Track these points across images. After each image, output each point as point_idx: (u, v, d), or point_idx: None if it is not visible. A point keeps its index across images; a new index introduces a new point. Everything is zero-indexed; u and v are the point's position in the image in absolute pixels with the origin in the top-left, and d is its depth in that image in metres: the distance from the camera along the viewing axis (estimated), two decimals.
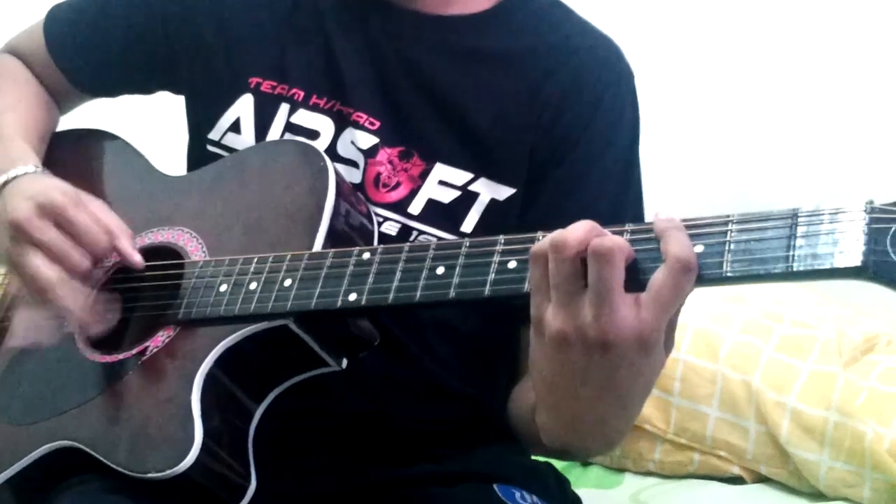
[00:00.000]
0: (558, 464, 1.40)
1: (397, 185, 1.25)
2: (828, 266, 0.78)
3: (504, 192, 1.24)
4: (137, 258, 1.19)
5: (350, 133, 1.27)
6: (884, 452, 1.74)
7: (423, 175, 1.25)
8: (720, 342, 1.93)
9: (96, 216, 1.18)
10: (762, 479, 1.90)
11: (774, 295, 2.03)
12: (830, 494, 1.81)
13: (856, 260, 0.77)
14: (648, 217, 1.10)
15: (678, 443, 1.92)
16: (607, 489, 1.90)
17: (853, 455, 1.78)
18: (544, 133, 1.24)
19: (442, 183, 1.24)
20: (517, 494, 1.26)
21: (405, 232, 1.24)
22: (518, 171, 1.24)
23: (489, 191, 1.24)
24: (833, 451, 1.80)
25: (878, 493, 1.76)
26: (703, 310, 1.96)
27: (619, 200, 1.26)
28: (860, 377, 1.84)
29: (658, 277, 0.88)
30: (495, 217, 1.23)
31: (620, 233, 0.90)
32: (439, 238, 1.23)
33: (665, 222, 0.89)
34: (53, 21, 1.45)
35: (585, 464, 1.98)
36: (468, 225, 1.24)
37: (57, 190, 1.18)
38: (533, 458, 1.39)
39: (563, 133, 1.25)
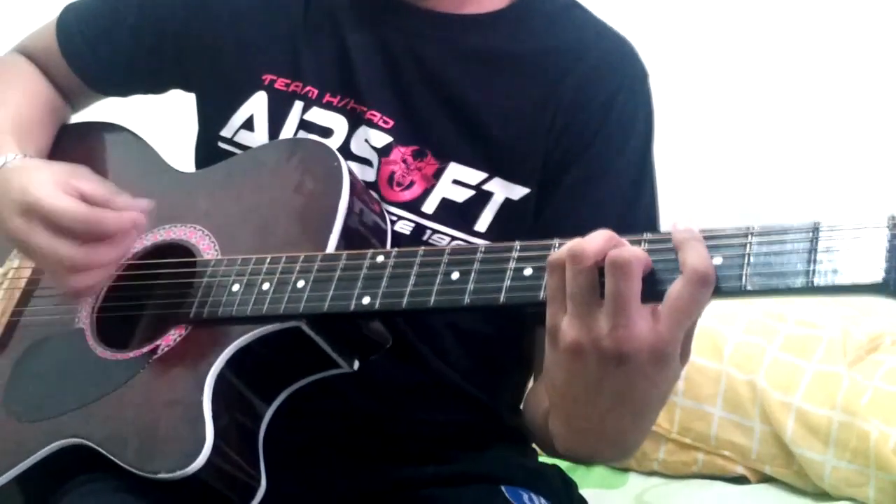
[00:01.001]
0: (563, 464, 1.40)
1: (411, 184, 1.24)
2: (849, 282, 0.77)
3: (518, 191, 1.23)
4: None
5: (364, 131, 1.26)
6: (889, 452, 1.74)
7: (437, 174, 1.24)
8: (724, 342, 1.93)
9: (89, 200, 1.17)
10: (767, 479, 1.90)
11: None
12: (835, 494, 1.81)
13: (877, 276, 0.76)
14: (665, 224, 1.10)
15: (682, 442, 1.92)
16: (611, 489, 1.90)
17: (858, 455, 1.78)
18: (558, 135, 1.23)
19: (456, 182, 1.24)
20: (525, 496, 1.26)
21: (419, 231, 1.23)
22: (532, 170, 1.23)
23: (503, 190, 1.23)
24: (838, 451, 1.80)
25: (882, 492, 1.76)
26: (707, 309, 1.94)
27: (633, 204, 1.25)
28: (865, 377, 1.84)
29: (675, 289, 0.87)
30: (510, 216, 1.23)
31: (638, 242, 0.89)
32: (453, 237, 1.22)
33: (683, 233, 0.87)
34: (65, 21, 1.44)
35: (590, 464, 1.98)
36: (482, 224, 1.23)
37: (40, 184, 1.17)
38: (540, 460, 1.39)
39: (575, 135, 1.24)
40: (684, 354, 0.93)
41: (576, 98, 1.24)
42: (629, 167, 1.26)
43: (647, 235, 0.90)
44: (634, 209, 1.25)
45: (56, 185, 1.16)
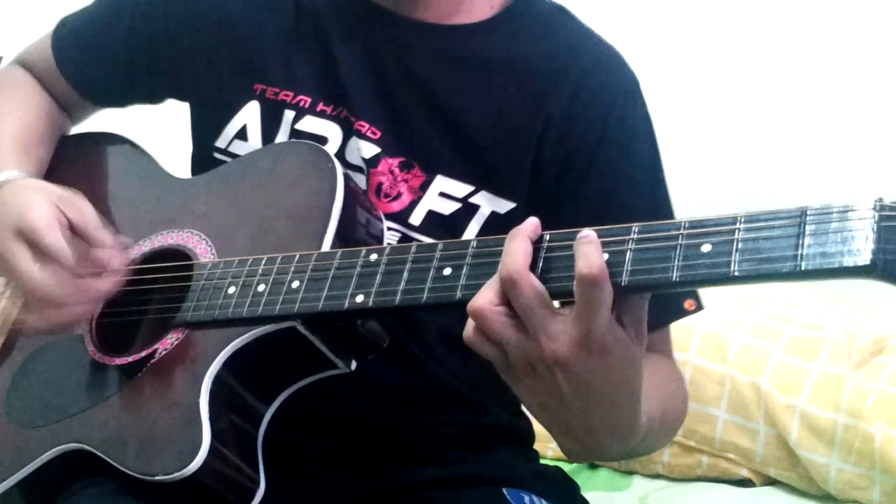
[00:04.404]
0: (567, 466, 1.39)
1: (398, 195, 1.24)
2: (837, 265, 0.77)
3: (505, 205, 1.23)
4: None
5: (355, 141, 1.26)
6: (893, 454, 1.74)
7: (424, 186, 1.24)
8: (729, 344, 1.93)
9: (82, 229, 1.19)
10: (771, 482, 1.90)
11: (783, 297, 2.03)
12: (840, 497, 1.81)
13: (865, 259, 0.76)
14: None
15: (687, 445, 1.92)
16: (616, 492, 1.90)
17: (862, 457, 1.78)
18: (552, 147, 1.23)
19: (442, 195, 1.24)
20: (526, 498, 1.26)
21: (405, 242, 1.22)
22: (519, 185, 1.23)
23: (490, 204, 1.23)
24: (842, 454, 1.80)
25: (887, 495, 1.76)
26: (711, 312, 1.95)
27: (656, 204, 1.25)
28: (869, 379, 1.84)
29: (574, 293, 0.87)
30: (496, 230, 1.20)
31: (628, 230, 0.89)
32: None
33: (579, 240, 0.88)
34: (61, 34, 1.46)
35: (594, 467, 1.98)
36: (468, 237, 1.22)
37: (37, 211, 1.18)
38: (542, 461, 1.39)
39: (574, 151, 1.23)
40: (638, 338, 0.92)
41: (569, 108, 1.23)
42: (643, 171, 1.26)
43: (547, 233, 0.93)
44: (657, 209, 1.24)
45: (51, 213, 1.17)
